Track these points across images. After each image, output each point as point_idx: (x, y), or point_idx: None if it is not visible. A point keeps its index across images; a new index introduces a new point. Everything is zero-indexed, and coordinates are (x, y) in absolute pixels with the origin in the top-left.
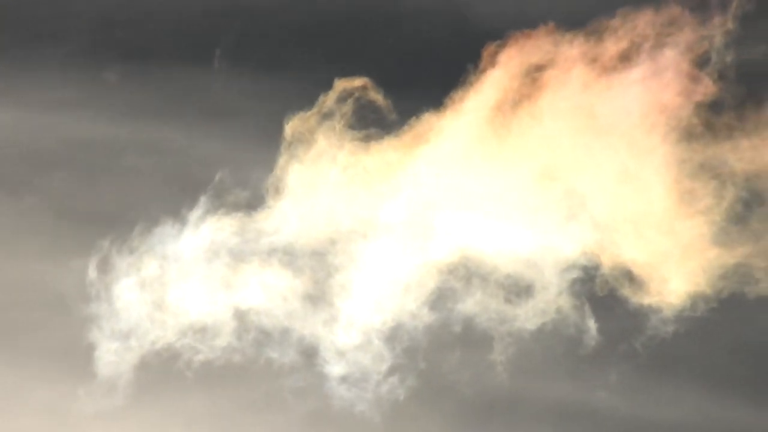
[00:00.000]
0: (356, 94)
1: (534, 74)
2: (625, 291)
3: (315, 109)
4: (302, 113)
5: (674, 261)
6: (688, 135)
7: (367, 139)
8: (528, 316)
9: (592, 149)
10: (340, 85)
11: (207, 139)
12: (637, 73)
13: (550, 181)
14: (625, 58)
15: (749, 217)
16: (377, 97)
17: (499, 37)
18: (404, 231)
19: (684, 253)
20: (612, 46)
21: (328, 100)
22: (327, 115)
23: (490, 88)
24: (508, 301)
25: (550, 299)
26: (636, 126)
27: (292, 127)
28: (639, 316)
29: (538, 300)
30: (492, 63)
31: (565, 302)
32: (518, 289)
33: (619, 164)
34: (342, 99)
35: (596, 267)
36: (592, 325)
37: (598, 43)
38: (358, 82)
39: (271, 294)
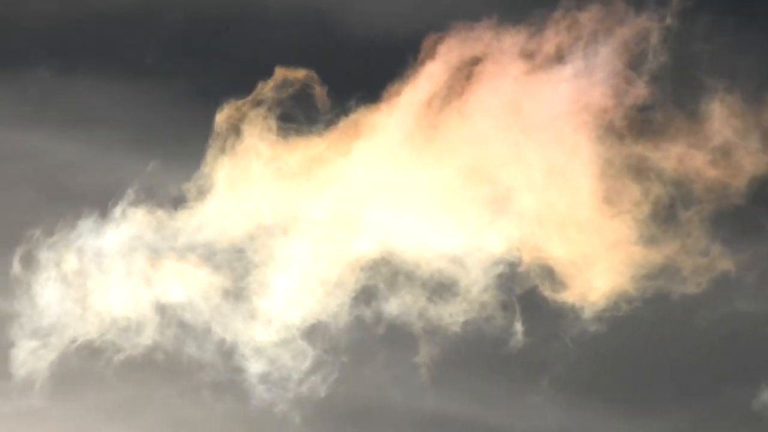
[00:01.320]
0: (296, 86)
1: (468, 68)
2: (548, 290)
3: (250, 98)
4: (235, 101)
5: (597, 260)
6: (616, 134)
7: (298, 132)
8: (452, 315)
9: (520, 146)
10: (281, 73)
11: (139, 131)
12: (570, 70)
13: (478, 177)
14: (561, 55)
15: (674, 217)
16: (318, 90)
17: (442, 29)
18: (328, 227)
19: (607, 252)
20: (550, 42)
21: (266, 88)
22: (261, 105)
23: (426, 82)
24: (432, 300)
25: (475, 297)
26: (564, 124)
27: (223, 116)
28: (562, 314)
29: (463, 298)
30: (431, 55)
31: (490, 300)
32: (443, 287)
33: (546, 162)
34: (280, 89)
35: (521, 265)
36: (516, 323)
37: (538, 37)
38: (300, 73)
39: (191, 291)
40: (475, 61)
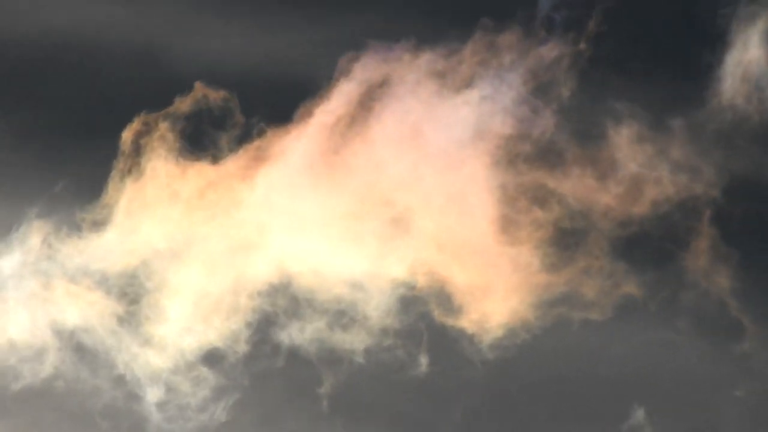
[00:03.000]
0: (212, 104)
1: (377, 90)
2: (447, 317)
3: (162, 112)
4: (146, 114)
5: (496, 286)
6: (517, 161)
7: (202, 155)
8: (352, 342)
9: (419, 171)
10: (200, 90)
11: (49, 147)
12: (477, 94)
13: (377, 202)
14: (471, 79)
15: (576, 243)
16: (234, 110)
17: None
18: (225, 253)
19: (506, 279)
20: (463, 65)
21: (183, 104)
22: (172, 121)
23: (337, 103)
24: (332, 327)
25: (375, 324)
26: (465, 149)
27: (131, 132)
28: (461, 342)
29: (362, 326)
30: (346, 74)
31: (391, 326)
32: (343, 314)
33: (445, 187)
34: (196, 106)
35: (419, 290)
36: (417, 353)
37: (452, 60)
38: (219, 93)
39: (87, 316)
40: (385, 83)
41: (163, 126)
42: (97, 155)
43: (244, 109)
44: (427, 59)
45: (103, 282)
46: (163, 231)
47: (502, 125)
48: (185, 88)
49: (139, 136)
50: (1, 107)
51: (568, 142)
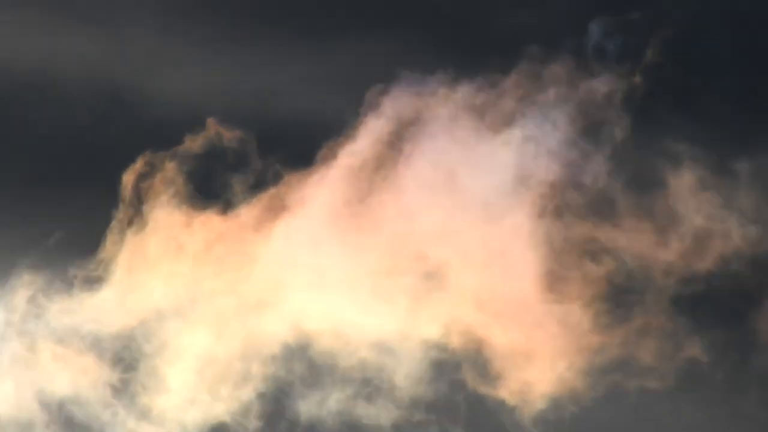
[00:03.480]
0: (224, 144)
1: (408, 128)
2: (486, 386)
3: (170, 150)
4: (151, 154)
5: (541, 350)
6: (564, 211)
7: (212, 203)
8: (378, 416)
9: (456, 221)
10: (213, 127)
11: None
12: (519, 134)
13: (407, 255)
14: (512, 116)
15: (631, 302)
16: (249, 152)
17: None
18: (235, 311)
19: (551, 342)
20: (504, 100)
21: (194, 142)
22: (183, 162)
23: (362, 143)
24: (356, 397)
25: (404, 394)
26: (507, 197)
27: (132, 176)
28: (500, 416)
29: (389, 396)
30: (374, 110)
31: (422, 396)
32: (369, 382)
33: (484, 239)
34: (208, 145)
35: (455, 356)
36: (449, 427)
37: (492, 93)
38: (235, 132)
39: (77, 385)
40: (417, 120)
41: (170, 167)
42: (97, 203)
43: (261, 150)
44: (464, 93)
45: (96, 345)
46: (165, 288)
47: (547, 170)
48: (196, 125)
49: (141, 179)
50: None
51: (622, 190)
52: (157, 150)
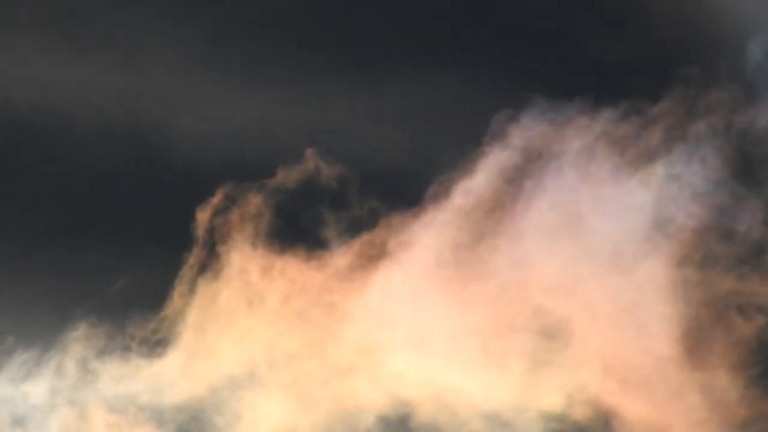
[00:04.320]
0: (321, 180)
1: (533, 162)
2: None
3: (256, 184)
4: (232, 188)
5: (679, 424)
6: (707, 262)
7: (302, 246)
8: None
9: (581, 273)
10: (312, 159)
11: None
12: (659, 173)
13: (526, 312)
14: (654, 152)
15: None
16: (349, 190)
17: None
18: (321, 377)
19: (692, 414)
20: (647, 134)
21: (287, 176)
22: (270, 196)
23: (480, 178)
24: None
25: None
26: (640, 245)
27: (211, 208)
28: None
29: None
30: (499, 139)
31: None
32: None
33: (614, 294)
34: (305, 179)
35: (579, 429)
36: None
37: (635, 126)
38: (335, 167)
39: None
40: (543, 153)
41: (255, 201)
42: (167, 247)
43: (363, 188)
44: (604, 122)
45: (157, 417)
46: (239, 350)
47: (690, 215)
48: (292, 158)
49: (218, 215)
50: (59, 187)
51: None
52: (240, 183)
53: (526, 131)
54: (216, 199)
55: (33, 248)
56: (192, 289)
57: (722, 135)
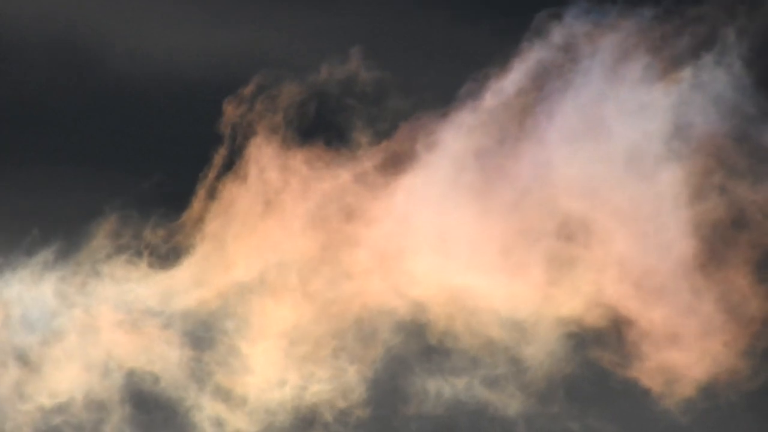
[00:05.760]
0: (361, 80)
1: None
2: (625, 369)
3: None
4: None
5: (694, 328)
6: (724, 168)
7: (338, 143)
8: (507, 401)
9: (600, 176)
10: (356, 59)
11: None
12: (686, 78)
13: (546, 217)
14: (683, 57)
15: None
16: (387, 93)
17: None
18: (336, 281)
19: (709, 319)
20: (678, 37)
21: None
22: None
23: (514, 78)
24: (482, 381)
25: (535, 379)
26: (662, 149)
27: (241, 98)
28: (645, 402)
29: (520, 378)
30: (540, 37)
31: (552, 385)
32: (497, 362)
33: (633, 198)
34: (346, 78)
35: (595, 335)
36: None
37: (666, 29)
38: (376, 71)
39: (154, 364)
40: (575, 56)
41: (289, 92)
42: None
43: (400, 88)
44: (637, 23)
45: (164, 320)
46: (254, 255)
47: (714, 123)
48: (338, 56)
49: (248, 110)
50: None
51: None
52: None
53: (567, 30)
54: (247, 90)
55: (65, 139)
56: (212, 194)
57: (751, 42)
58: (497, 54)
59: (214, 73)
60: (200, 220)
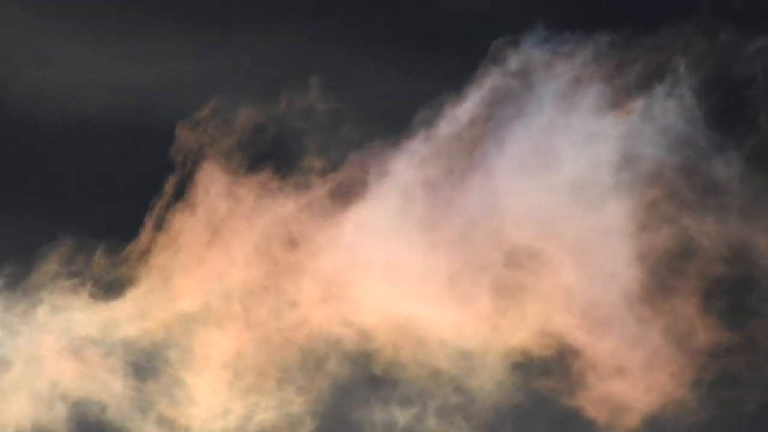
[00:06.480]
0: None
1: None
2: (573, 399)
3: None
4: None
5: (639, 361)
6: (672, 201)
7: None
8: (458, 428)
9: (549, 207)
10: (316, 89)
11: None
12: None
13: (493, 247)
14: (635, 88)
15: (746, 305)
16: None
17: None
18: (282, 310)
19: (654, 352)
20: (631, 67)
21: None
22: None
23: (467, 106)
24: (428, 411)
25: (482, 408)
26: (610, 182)
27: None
28: None
29: (466, 411)
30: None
31: (502, 412)
32: (444, 395)
33: (583, 230)
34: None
35: (541, 365)
36: None
37: (621, 57)
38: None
39: (98, 394)
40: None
41: (243, 116)
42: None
43: (354, 119)
44: (593, 53)
45: (112, 352)
46: (199, 284)
47: (663, 154)
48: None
49: (196, 133)
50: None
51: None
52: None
53: (523, 57)
54: (203, 113)
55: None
56: (160, 224)
57: (703, 72)
58: (453, 81)
59: (170, 98)
60: (146, 251)
